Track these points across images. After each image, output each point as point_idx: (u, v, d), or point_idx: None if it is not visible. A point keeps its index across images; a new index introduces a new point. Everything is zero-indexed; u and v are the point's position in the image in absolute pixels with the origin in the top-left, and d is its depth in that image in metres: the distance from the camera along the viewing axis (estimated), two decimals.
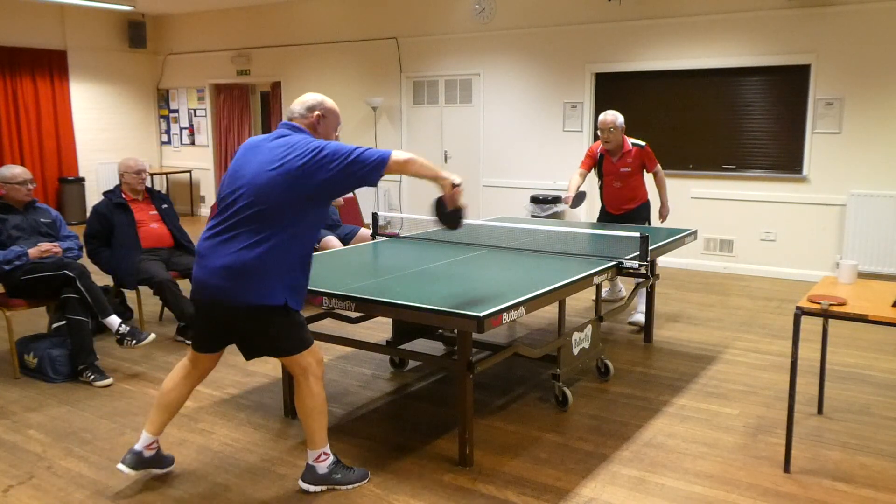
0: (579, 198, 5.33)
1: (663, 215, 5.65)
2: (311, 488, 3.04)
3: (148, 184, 5.40)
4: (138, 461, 3.07)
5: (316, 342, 3.01)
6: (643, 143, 5.43)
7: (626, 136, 5.42)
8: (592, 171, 5.61)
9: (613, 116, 5.32)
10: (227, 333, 2.96)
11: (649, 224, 5.58)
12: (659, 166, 5.50)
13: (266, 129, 11.17)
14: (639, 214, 5.56)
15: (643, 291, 5.25)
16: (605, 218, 5.66)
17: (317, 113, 2.96)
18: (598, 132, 5.40)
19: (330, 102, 3.02)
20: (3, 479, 3.17)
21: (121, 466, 3.04)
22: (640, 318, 5.32)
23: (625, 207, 5.54)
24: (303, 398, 2.97)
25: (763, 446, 3.44)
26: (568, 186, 5.47)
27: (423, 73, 9.18)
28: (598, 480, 3.12)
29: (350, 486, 3.08)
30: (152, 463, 3.12)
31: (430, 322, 3.03)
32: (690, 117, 7.43)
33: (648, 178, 5.54)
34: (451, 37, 8.85)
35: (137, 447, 3.07)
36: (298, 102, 3.00)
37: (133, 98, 11.66)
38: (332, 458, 3.07)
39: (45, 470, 3.25)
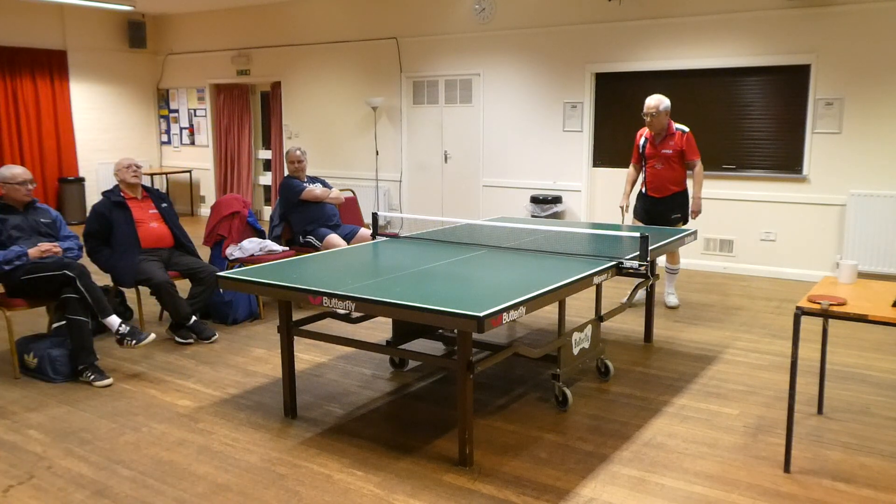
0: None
1: (694, 210, 5.66)
2: None
3: (146, 182, 5.40)
4: None
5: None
6: (686, 129, 5.54)
7: (671, 121, 5.54)
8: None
9: (657, 101, 5.43)
10: None
11: (687, 215, 5.66)
12: (699, 161, 5.55)
13: (266, 128, 11.16)
14: (678, 201, 5.59)
15: (673, 277, 5.81)
16: (645, 202, 5.69)
17: None
18: (643, 116, 5.51)
19: None
20: (3, 479, 3.17)
21: None
22: (671, 300, 5.74)
23: (668, 189, 5.57)
24: None
25: (763, 446, 3.44)
26: (625, 189, 5.79)
27: (423, 73, 9.17)
28: (598, 480, 3.12)
29: None
30: None
31: (430, 322, 3.03)
32: (690, 117, 7.40)
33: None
34: (451, 37, 8.85)
35: None
36: None
37: (133, 98, 11.66)
38: None
39: (45, 470, 3.25)
